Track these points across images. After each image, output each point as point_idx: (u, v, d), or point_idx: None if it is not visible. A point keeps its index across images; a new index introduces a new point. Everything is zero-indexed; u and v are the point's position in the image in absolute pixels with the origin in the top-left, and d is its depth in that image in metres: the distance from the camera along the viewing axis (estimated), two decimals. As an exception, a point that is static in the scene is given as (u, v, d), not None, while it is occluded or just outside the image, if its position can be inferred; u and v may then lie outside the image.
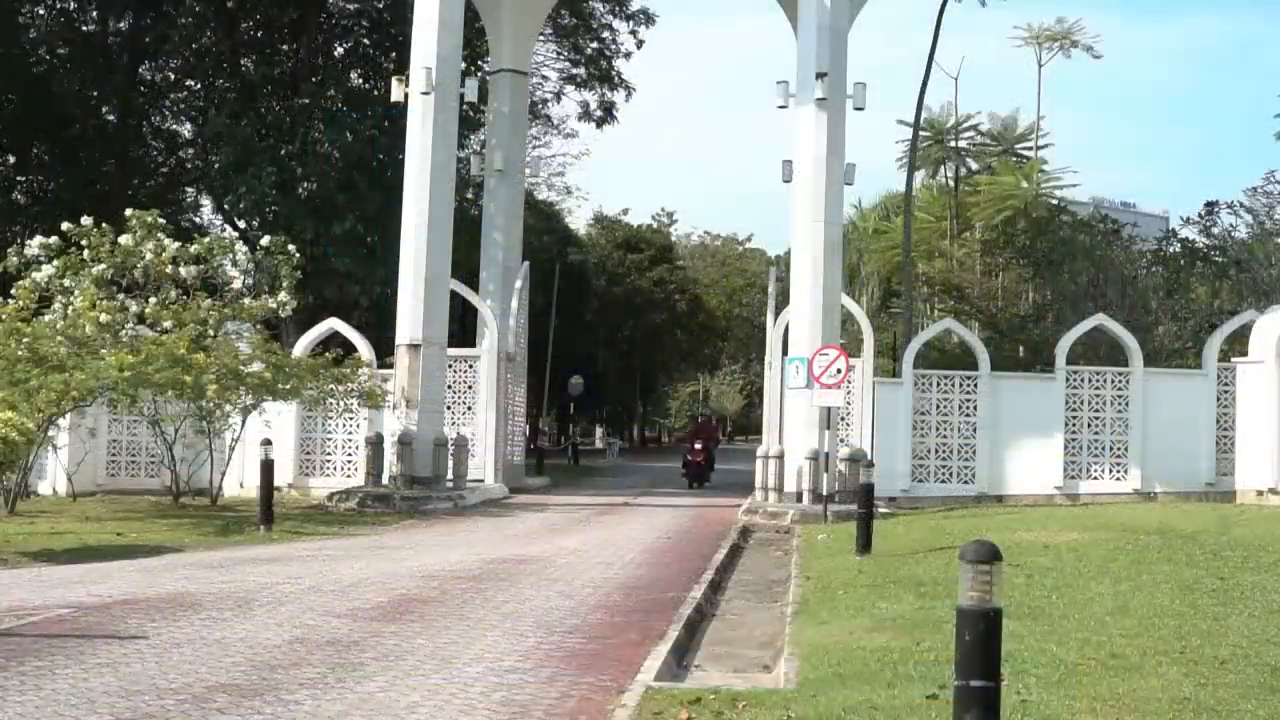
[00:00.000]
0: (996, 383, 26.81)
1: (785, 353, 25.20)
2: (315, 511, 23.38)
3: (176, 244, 24.84)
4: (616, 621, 11.25)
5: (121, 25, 41.17)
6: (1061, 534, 17.02)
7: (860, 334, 27.87)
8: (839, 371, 20.92)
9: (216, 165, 37.10)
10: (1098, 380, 26.93)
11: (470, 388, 28.66)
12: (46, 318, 23.12)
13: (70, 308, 23.33)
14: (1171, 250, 42.00)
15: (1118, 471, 26.52)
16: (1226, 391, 26.30)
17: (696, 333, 69.87)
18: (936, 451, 26.48)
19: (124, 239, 24.20)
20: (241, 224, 37.30)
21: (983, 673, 5.84)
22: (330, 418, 27.11)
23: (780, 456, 24.67)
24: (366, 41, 39.32)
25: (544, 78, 48.22)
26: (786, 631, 10.79)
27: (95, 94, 40.07)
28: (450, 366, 27.92)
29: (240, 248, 26.50)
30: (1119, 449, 26.55)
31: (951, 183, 63.01)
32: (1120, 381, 26.78)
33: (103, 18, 41.15)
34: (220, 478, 24.67)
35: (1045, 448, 26.28)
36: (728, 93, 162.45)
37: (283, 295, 25.49)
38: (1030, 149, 63.80)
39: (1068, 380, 26.69)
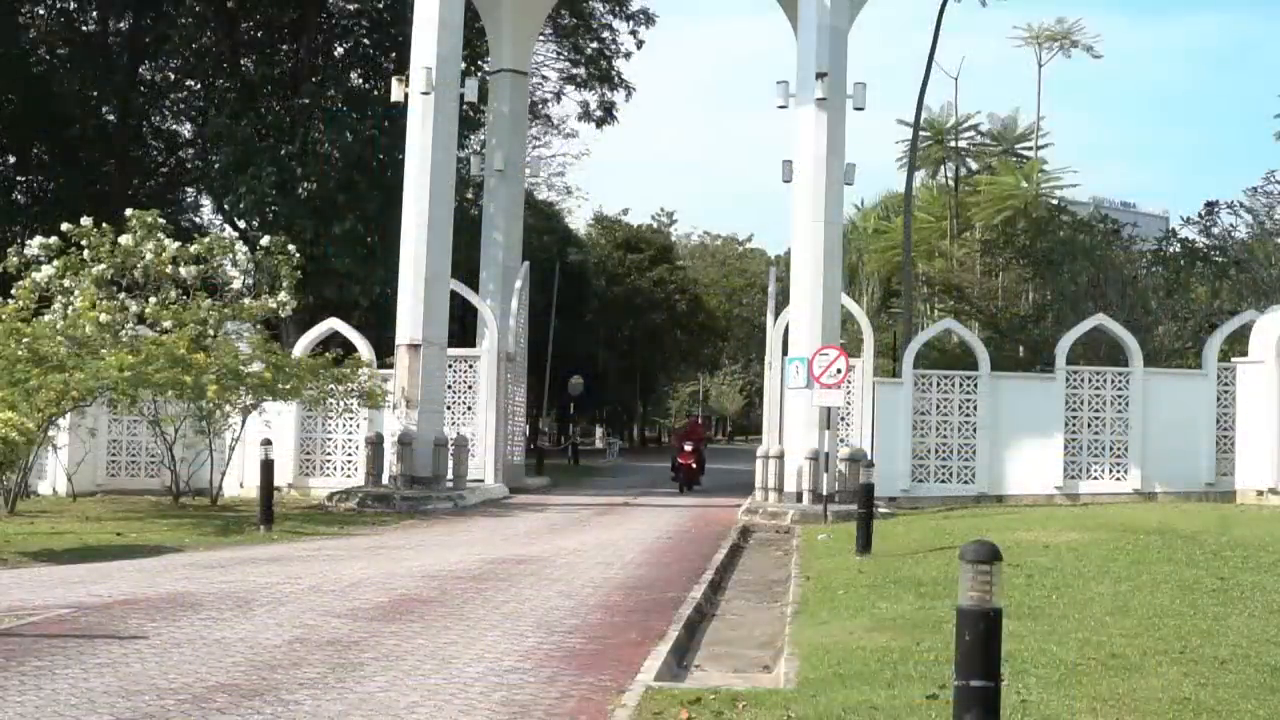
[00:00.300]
0: (996, 383, 26.81)
1: (785, 353, 25.20)
2: (315, 511, 23.37)
3: (176, 244, 24.83)
4: (616, 621, 11.25)
5: (121, 25, 41.21)
6: (1061, 534, 17.02)
7: (860, 334, 27.87)
8: (839, 371, 20.92)
9: (216, 165, 37.12)
10: (1098, 380, 26.93)
11: (470, 388, 28.67)
12: (46, 318, 23.11)
13: (70, 308, 23.33)
14: (1171, 250, 41.99)
15: (1118, 471, 26.53)
16: (1226, 391, 26.30)
17: (696, 333, 69.90)
18: (936, 451, 26.48)
19: (124, 239, 24.19)
20: (241, 224, 37.31)
21: (983, 673, 5.84)
22: (330, 418, 27.11)
23: (780, 456, 24.67)
24: (366, 41, 39.34)
25: (544, 78, 48.28)
26: (786, 631, 10.79)
27: (95, 94, 40.09)
28: (450, 366, 27.92)
29: (240, 248, 26.48)
30: (1119, 449, 26.55)
31: (951, 183, 63.06)
32: (1120, 381, 26.78)
33: (103, 18, 41.18)
34: (220, 478, 24.67)
35: (1045, 448, 26.28)
36: (727, 93, 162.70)
37: (283, 295, 25.48)
38: (1030, 149, 63.85)
39: (1068, 380, 26.69)
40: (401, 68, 28.19)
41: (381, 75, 35.79)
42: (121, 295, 24.32)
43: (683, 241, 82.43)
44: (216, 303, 24.81)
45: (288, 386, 23.71)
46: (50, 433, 22.67)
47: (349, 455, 27.61)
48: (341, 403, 25.86)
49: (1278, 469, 24.17)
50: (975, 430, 26.38)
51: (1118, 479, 26.45)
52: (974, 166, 65.12)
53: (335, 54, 39.94)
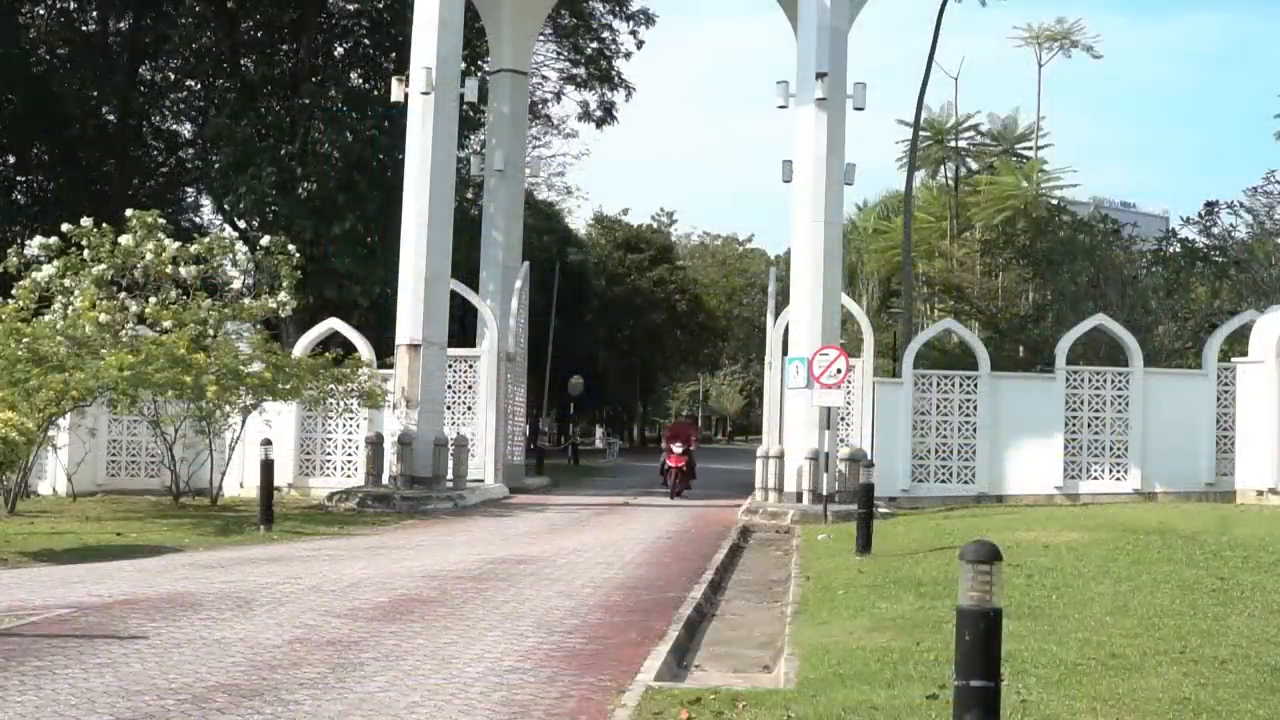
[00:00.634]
0: (996, 383, 26.81)
1: (785, 353, 25.20)
2: (315, 511, 23.37)
3: (176, 244, 24.82)
4: (616, 621, 11.25)
5: (121, 25, 41.22)
6: (1061, 534, 17.01)
7: (860, 334, 27.87)
8: (839, 371, 20.92)
9: (216, 165, 37.12)
10: (1098, 380, 26.93)
11: (470, 388, 28.67)
12: (46, 318, 23.10)
13: (70, 308, 23.33)
14: (1171, 250, 41.98)
15: (1118, 471, 26.52)
16: (1226, 391, 26.30)
17: (696, 333, 69.92)
18: (936, 451, 26.48)
19: (124, 239, 24.19)
20: (241, 224, 37.33)
21: (983, 673, 5.84)
22: (330, 418, 27.11)
23: (780, 456, 24.67)
24: (366, 41, 39.34)
25: (544, 78, 48.29)
26: (786, 631, 10.79)
27: (95, 94, 40.10)
28: (450, 366, 27.92)
29: (240, 248, 26.48)
30: (1119, 449, 26.55)
31: (951, 183, 63.05)
32: (1120, 381, 26.78)
33: (103, 18, 41.19)
34: (220, 478, 24.67)
35: (1045, 448, 26.28)
36: (727, 93, 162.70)
37: (283, 295, 25.48)
38: (1030, 149, 63.84)
39: (1068, 380, 26.69)
40: (401, 68, 28.20)
41: (381, 75, 35.79)
42: (121, 295, 24.31)
43: (683, 241, 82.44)
44: (216, 303, 24.81)
45: (288, 386, 23.70)
46: (50, 433, 22.67)
47: (349, 455, 27.61)
48: (341, 403, 25.86)
49: (1278, 469, 24.17)
50: (975, 430, 26.38)
51: (1118, 479, 26.45)
52: (974, 166, 65.12)
53: (335, 54, 39.94)
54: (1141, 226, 50.59)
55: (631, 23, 44.82)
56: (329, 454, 27.84)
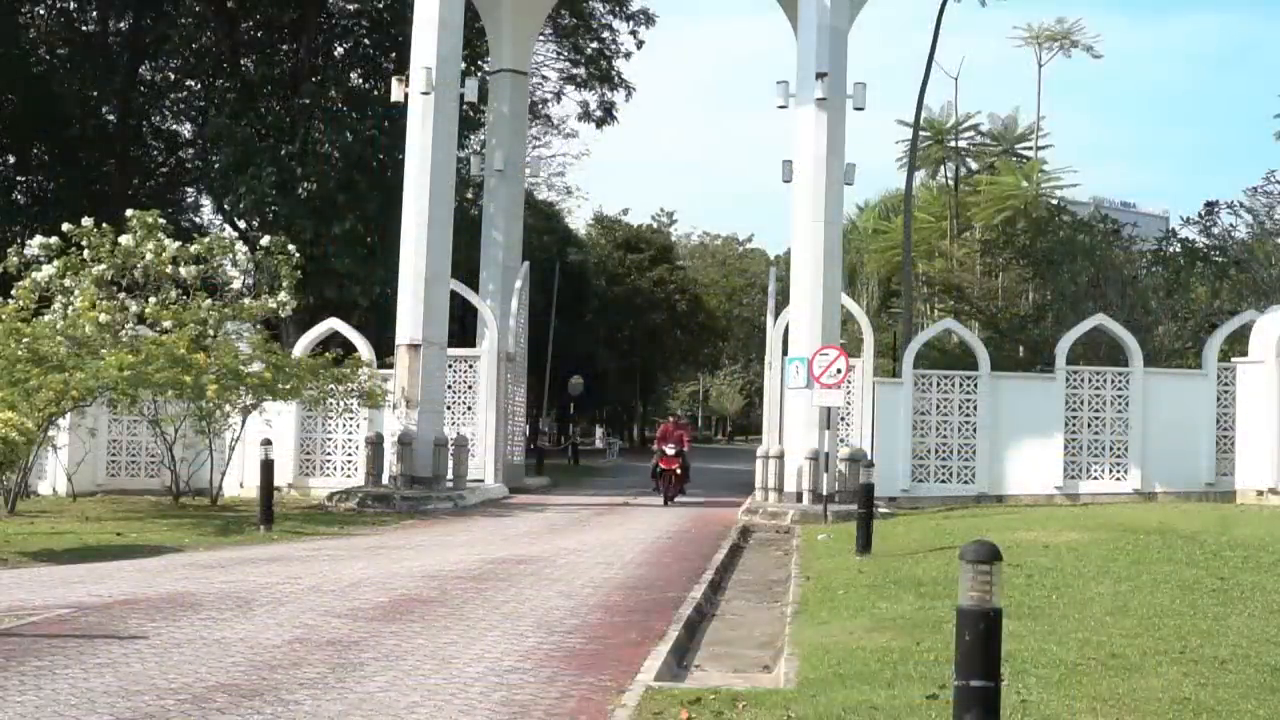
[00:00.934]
0: (996, 383, 26.81)
1: (785, 353, 25.20)
2: (315, 511, 23.37)
3: (176, 244, 24.82)
4: (616, 621, 11.25)
5: (121, 25, 41.21)
6: (1061, 534, 17.01)
7: (860, 334, 27.88)
8: (839, 371, 20.92)
9: (216, 165, 37.12)
10: (1098, 380, 26.93)
11: (470, 388, 28.67)
12: (46, 318, 23.11)
13: (70, 308, 23.33)
14: (1171, 250, 42.00)
15: (1118, 471, 26.52)
16: (1226, 391, 26.30)
17: (696, 333, 69.90)
18: (936, 451, 26.48)
19: (124, 239, 24.19)
20: (241, 224, 37.34)
21: (983, 673, 5.84)
22: (330, 418, 27.11)
23: (780, 456, 24.67)
24: (366, 41, 39.35)
25: (544, 78, 48.29)
26: (786, 631, 10.79)
27: (95, 94, 40.11)
28: (450, 366, 27.92)
29: (240, 248, 26.49)
30: (1119, 449, 26.55)
31: (951, 183, 63.06)
32: (1120, 381, 26.78)
33: (103, 18, 41.19)
34: (220, 478, 24.67)
35: (1045, 448, 26.28)
36: (727, 93, 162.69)
37: (283, 295, 25.48)
38: (1030, 149, 63.89)
39: (1068, 380, 26.69)
40: (401, 68, 28.20)
41: (381, 75, 35.80)
42: (121, 295, 24.31)
43: (683, 241, 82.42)
44: (216, 303, 24.81)
45: (288, 386, 23.71)
46: (50, 433, 22.67)
47: (349, 455, 27.61)
48: (341, 403, 25.87)
49: (1278, 469, 24.17)
50: (975, 430, 26.38)
51: (1118, 479, 26.45)
52: (974, 166, 65.17)
53: (335, 54, 39.95)
54: (1141, 226, 50.60)
55: (631, 23, 44.87)
56: (329, 454, 27.84)
